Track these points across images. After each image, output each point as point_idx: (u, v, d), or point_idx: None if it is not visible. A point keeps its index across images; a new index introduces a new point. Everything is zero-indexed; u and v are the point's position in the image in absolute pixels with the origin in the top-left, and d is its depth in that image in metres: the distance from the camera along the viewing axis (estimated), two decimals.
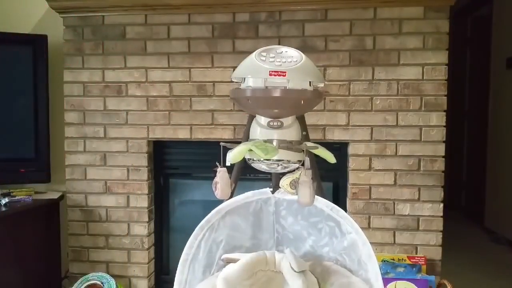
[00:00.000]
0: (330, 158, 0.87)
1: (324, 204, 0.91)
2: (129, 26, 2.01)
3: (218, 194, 0.89)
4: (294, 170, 0.88)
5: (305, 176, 0.83)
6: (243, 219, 0.97)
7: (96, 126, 2.06)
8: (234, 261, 0.90)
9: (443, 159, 1.90)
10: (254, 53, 0.88)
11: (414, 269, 1.81)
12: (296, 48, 0.90)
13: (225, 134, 1.98)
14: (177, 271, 0.91)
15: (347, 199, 1.97)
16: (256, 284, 0.89)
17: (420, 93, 1.88)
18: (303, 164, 0.86)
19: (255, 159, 0.86)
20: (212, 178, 0.89)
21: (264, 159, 0.84)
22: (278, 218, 0.97)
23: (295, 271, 0.85)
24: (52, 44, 2.07)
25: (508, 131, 3.28)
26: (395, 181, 1.91)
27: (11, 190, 2.03)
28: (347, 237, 0.89)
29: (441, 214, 1.90)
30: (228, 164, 0.87)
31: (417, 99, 1.88)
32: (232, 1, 1.89)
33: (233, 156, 0.85)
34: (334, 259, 0.92)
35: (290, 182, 0.88)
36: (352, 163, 1.93)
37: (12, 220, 1.87)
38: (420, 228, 1.91)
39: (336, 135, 1.93)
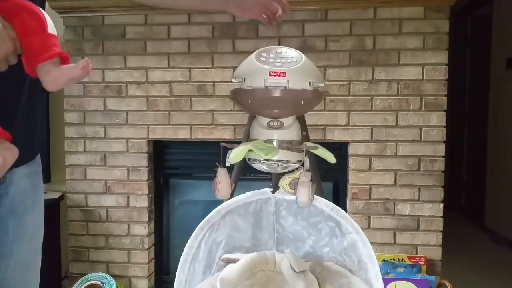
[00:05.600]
0: (330, 158, 0.87)
1: (324, 204, 0.91)
2: (129, 26, 2.01)
3: (218, 194, 0.89)
4: (294, 170, 0.88)
5: (304, 177, 0.83)
6: (243, 219, 0.96)
7: (96, 126, 2.06)
8: (234, 261, 0.90)
9: (443, 159, 1.90)
10: (254, 53, 0.88)
11: (414, 269, 1.81)
12: (296, 48, 0.90)
13: (225, 134, 1.98)
14: (177, 271, 0.91)
15: (347, 199, 1.97)
16: (256, 284, 0.89)
17: (420, 93, 1.88)
18: (303, 164, 0.86)
19: (255, 159, 0.86)
20: (212, 178, 0.89)
21: (264, 160, 0.84)
22: (278, 218, 0.97)
23: (295, 271, 0.85)
24: None
25: (508, 131, 3.28)
26: (395, 181, 1.91)
27: None
28: (347, 237, 0.89)
29: (441, 214, 1.90)
30: (228, 164, 0.87)
31: (417, 99, 1.88)
32: None
33: (234, 156, 0.85)
34: (334, 259, 0.92)
35: (290, 182, 0.88)
36: (352, 163, 1.93)
37: None
38: (420, 228, 1.91)
39: (336, 135, 1.93)
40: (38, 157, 0.93)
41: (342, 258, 0.91)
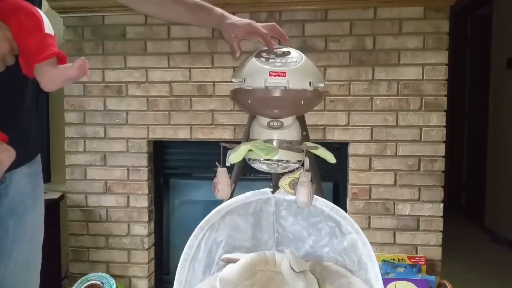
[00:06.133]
0: (330, 158, 0.87)
1: (324, 204, 0.91)
2: (129, 26, 2.01)
3: (218, 194, 0.89)
4: (294, 170, 0.88)
5: (304, 177, 0.83)
6: (243, 219, 0.96)
7: (96, 126, 2.06)
8: (234, 261, 0.90)
9: (443, 159, 1.90)
10: (254, 53, 0.89)
11: (414, 269, 1.81)
12: (296, 48, 0.90)
13: (225, 134, 1.98)
14: (177, 271, 0.91)
15: (347, 199, 1.97)
16: (256, 284, 0.89)
17: (420, 93, 1.88)
18: (303, 164, 0.86)
19: (255, 159, 0.86)
20: (212, 178, 0.89)
21: (264, 160, 0.84)
22: (278, 218, 0.97)
23: (295, 271, 0.85)
24: None
25: (508, 131, 3.28)
26: (395, 181, 1.91)
27: None
28: (347, 237, 0.89)
29: (441, 214, 1.90)
30: (228, 164, 0.87)
31: (417, 99, 1.88)
32: (232, 1, 1.89)
33: (234, 156, 0.85)
34: (334, 259, 0.92)
35: (289, 182, 0.88)
36: (352, 163, 1.93)
37: None
38: (420, 228, 1.91)
39: (336, 135, 1.93)
40: (38, 157, 0.93)
41: (342, 258, 0.91)
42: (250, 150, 0.84)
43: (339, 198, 2.03)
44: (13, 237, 0.86)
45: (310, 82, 0.85)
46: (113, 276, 2.01)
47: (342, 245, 0.90)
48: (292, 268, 0.85)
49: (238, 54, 0.97)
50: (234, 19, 0.99)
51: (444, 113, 1.89)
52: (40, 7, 0.81)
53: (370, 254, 0.85)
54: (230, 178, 0.91)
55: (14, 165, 0.75)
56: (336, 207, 0.91)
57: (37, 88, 0.80)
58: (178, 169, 2.19)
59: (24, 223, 0.88)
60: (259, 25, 0.97)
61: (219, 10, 1.01)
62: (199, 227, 0.93)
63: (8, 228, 0.85)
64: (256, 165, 0.87)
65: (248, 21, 0.98)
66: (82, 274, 2.01)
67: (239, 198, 0.97)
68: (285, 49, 0.89)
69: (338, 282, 0.87)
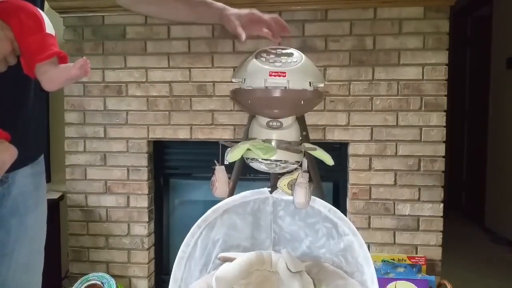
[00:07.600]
0: (328, 160, 0.87)
1: (321, 205, 0.91)
2: (129, 26, 2.01)
3: (216, 192, 0.89)
4: (292, 171, 0.88)
5: (302, 178, 0.83)
6: (240, 218, 0.96)
7: (96, 126, 2.06)
8: (230, 260, 0.90)
9: (443, 159, 1.89)
10: (254, 53, 0.89)
11: (414, 269, 1.81)
12: (296, 48, 0.90)
13: (225, 134, 1.98)
14: (173, 269, 0.91)
15: (347, 199, 1.97)
16: (252, 283, 0.89)
17: (420, 93, 1.88)
18: (301, 165, 0.86)
19: (254, 158, 0.86)
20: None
21: (262, 159, 0.84)
22: (276, 218, 0.97)
23: (291, 271, 0.84)
24: None
25: (508, 131, 3.28)
26: (395, 181, 1.91)
27: None
28: (344, 239, 0.89)
29: (441, 214, 1.90)
30: (226, 162, 0.87)
31: (417, 99, 1.88)
32: (232, 1, 1.89)
33: (232, 155, 0.85)
34: (330, 260, 0.92)
35: (288, 182, 0.88)
36: (352, 163, 1.93)
37: None
38: (420, 228, 1.91)
39: (336, 135, 1.92)
40: (41, 158, 0.93)
41: (339, 259, 0.91)
42: (248, 149, 0.84)
43: (339, 198, 2.03)
44: (15, 238, 0.86)
45: (310, 82, 0.85)
46: (113, 276, 2.01)
47: (338, 246, 0.90)
48: (288, 268, 0.85)
49: (243, 38, 0.96)
50: (235, 10, 1.00)
51: (444, 113, 1.89)
52: (42, 8, 0.81)
53: (366, 256, 0.85)
54: (229, 176, 0.91)
55: (16, 166, 0.75)
56: (334, 208, 0.90)
57: (38, 88, 0.80)
58: (178, 169, 2.19)
59: (26, 224, 0.87)
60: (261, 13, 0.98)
61: (219, 3, 1.02)
62: (196, 225, 0.93)
63: (10, 228, 0.85)
64: (254, 165, 0.87)
65: (250, 9, 0.99)
66: (82, 274, 2.01)
67: (237, 197, 0.96)
68: (285, 49, 0.89)
69: (334, 283, 0.87)
